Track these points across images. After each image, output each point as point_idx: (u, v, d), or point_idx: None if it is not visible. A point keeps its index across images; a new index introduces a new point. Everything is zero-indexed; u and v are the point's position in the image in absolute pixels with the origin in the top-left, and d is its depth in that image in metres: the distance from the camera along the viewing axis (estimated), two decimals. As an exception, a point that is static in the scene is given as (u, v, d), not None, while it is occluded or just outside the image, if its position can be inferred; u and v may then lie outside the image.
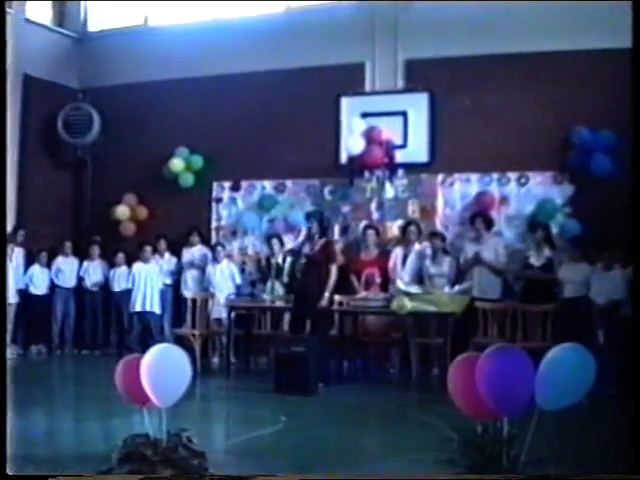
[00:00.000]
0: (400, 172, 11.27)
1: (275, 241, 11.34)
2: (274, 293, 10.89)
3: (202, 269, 11.86)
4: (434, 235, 10.61)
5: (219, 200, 12.42)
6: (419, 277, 10.52)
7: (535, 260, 10.11)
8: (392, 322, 10.20)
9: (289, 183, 11.99)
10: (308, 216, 10.04)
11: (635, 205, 5.41)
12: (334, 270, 9.52)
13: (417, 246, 10.75)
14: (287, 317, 10.66)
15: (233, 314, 10.58)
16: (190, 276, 11.96)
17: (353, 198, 11.51)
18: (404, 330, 10.29)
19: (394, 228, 11.29)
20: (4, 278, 9.21)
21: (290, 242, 11.49)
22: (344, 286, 10.86)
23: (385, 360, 10.87)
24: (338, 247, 10.64)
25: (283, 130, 11.87)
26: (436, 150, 11.19)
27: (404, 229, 10.93)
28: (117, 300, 12.31)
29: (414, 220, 11.02)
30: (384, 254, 10.92)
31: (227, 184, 12.37)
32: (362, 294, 9.94)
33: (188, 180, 12.38)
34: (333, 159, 11.58)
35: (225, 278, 11.64)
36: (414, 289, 9.81)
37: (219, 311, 11.35)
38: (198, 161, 12.36)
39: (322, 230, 9.72)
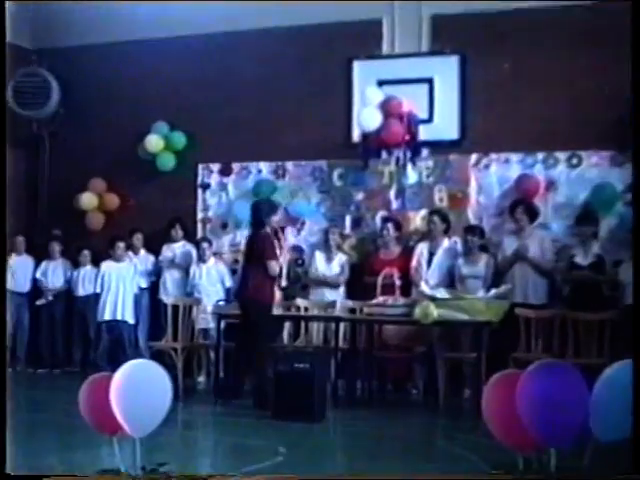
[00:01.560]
0: (425, 152, 11.29)
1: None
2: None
3: (185, 269, 11.91)
4: (471, 230, 10.62)
5: (206, 186, 12.44)
6: (448, 279, 10.58)
7: (582, 259, 10.10)
8: (415, 333, 10.17)
9: (290, 166, 12.01)
10: (253, 204, 10.19)
11: (635, 203, 5.28)
12: (275, 267, 9.63)
13: (446, 242, 10.78)
14: (287, 327, 10.90)
15: (223, 324, 10.54)
16: (171, 278, 12.01)
17: (368, 183, 11.54)
18: (429, 343, 10.30)
19: (417, 220, 11.30)
20: (4, 279, 9.28)
21: (292, 237, 11.56)
22: (357, 290, 10.92)
23: (406, 379, 10.90)
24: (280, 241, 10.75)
25: (283, 101, 11.87)
26: (468, 125, 11.19)
27: (428, 220, 10.93)
28: (81, 307, 12.34)
29: (440, 210, 11.02)
30: (405, 251, 10.97)
31: (215, 167, 12.40)
32: (379, 299, 9.91)
33: (168, 162, 12.40)
34: (343, 136, 11.60)
35: (213, 280, 11.68)
36: (442, 293, 9.79)
37: (206, 320, 11.38)
38: (180, 139, 12.38)
39: (260, 221, 9.82)
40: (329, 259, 11.21)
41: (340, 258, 11.20)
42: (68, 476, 5.08)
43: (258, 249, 9.73)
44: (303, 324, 10.84)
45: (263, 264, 9.64)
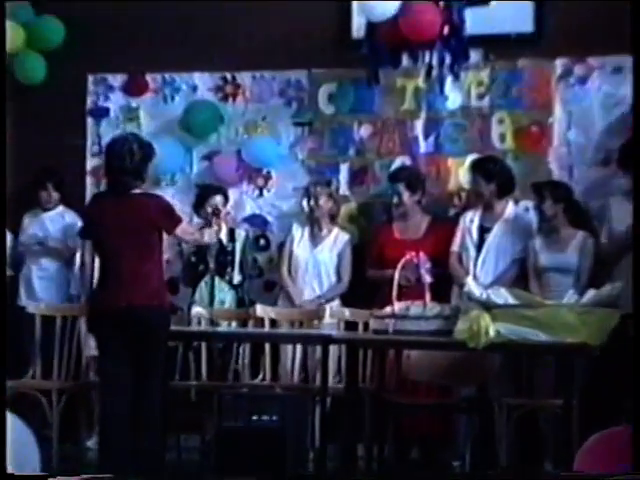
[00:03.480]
0: (475, 56, 11.32)
1: (218, 199, 11.46)
2: (215, 304, 11.01)
3: (65, 257, 11.94)
4: (548, 187, 10.59)
5: (101, 113, 12.51)
6: (514, 273, 10.69)
7: None
8: (458, 364, 10.12)
9: (246, 78, 12.11)
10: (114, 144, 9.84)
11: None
12: (188, 229, 9.89)
13: (509, 209, 10.88)
14: (243, 352, 10.91)
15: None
16: (39, 271, 12.08)
17: (377, 110, 11.66)
18: (482, 381, 10.23)
19: (461, 172, 11.34)
20: (4, 277, 10.48)
21: (250, 201, 11.89)
22: (358, 290, 11.09)
23: (442, 442, 10.96)
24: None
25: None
26: (550, 10, 11.20)
27: (474, 173, 10.99)
28: None
29: (495, 157, 11.04)
30: (440, 226, 11.09)
31: (117, 80, 12.47)
32: (395, 307, 9.80)
33: (34, 69, 12.42)
34: (336, 29, 11.77)
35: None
36: (503, 297, 9.70)
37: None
38: (55, 31, 12.36)
39: (137, 171, 9.53)
40: (316, 239, 11.30)
41: (338, 238, 11.30)
42: (72, 476, 5.95)
43: (141, 218, 9.46)
44: (268, 348, 10.80)
45: (151, 244, 9.49)
